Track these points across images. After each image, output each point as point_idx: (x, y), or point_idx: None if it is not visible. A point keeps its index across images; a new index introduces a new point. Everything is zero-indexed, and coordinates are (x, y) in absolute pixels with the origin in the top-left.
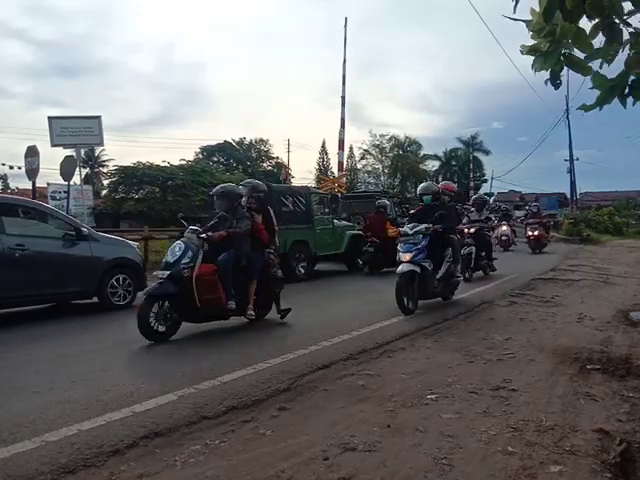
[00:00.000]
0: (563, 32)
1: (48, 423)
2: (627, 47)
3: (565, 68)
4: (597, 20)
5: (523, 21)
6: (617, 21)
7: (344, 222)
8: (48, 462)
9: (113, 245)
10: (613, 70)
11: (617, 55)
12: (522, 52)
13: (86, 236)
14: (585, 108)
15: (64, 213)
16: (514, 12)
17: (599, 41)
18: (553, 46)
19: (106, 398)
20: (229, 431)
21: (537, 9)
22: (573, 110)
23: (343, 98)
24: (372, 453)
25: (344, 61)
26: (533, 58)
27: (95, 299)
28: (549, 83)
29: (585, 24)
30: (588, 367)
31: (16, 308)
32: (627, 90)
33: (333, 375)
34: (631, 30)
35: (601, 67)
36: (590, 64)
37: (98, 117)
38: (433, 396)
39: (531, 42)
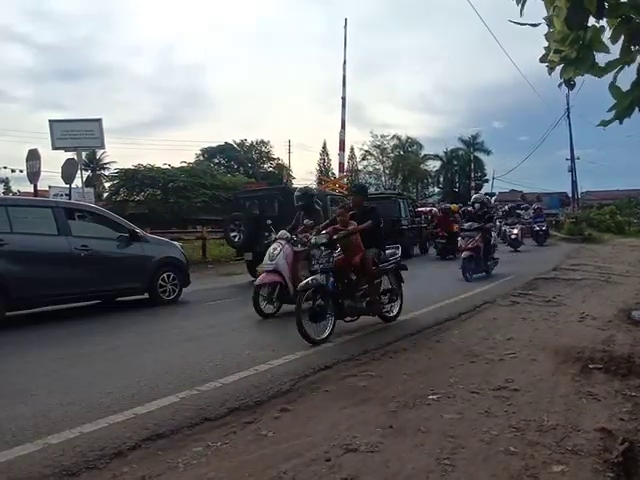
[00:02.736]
0: (592, 36)
1: (50, 425)
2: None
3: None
4: (613, 22)
5: (531, 25)
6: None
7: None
8: (51, 464)
9: (161, 245)
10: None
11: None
12: (548, 64)
13: (139, 237)
14: (604, 124)
15: (119, 216)
16: (521, 15)
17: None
18: (583, 52)
19: (108, 400)
20: (231, 432)
21: (546, 14)
22: (574, 109)
23: (343, 99)
24: (374, 454)
25: (344, 62)
26: (562, 67)
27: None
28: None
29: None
30: (590, 366)
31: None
32: None
33: (335, 376)
34: None
35: (615, 79)
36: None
37: (99, 120)
38: (435, 396)
39: (535, 47)
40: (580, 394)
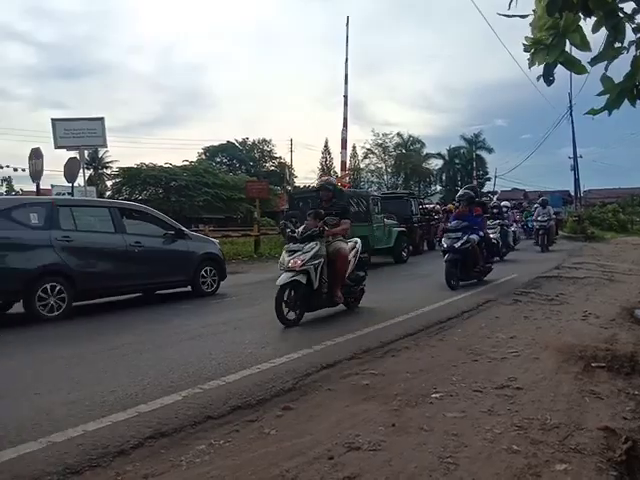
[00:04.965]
0: (567, 24)
1: (54, 424)
2: (633, 47)
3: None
4: (598, 15)
5: (519, 17)
6: (620, 15)
7: (392, 220)
8: (54, 462)
9: (202, 242)
10: (615, 66)
11: (621, 54)
12: (526, 49)
13: (183, 234)
14: (593, 112)
15: (166, 216)
16: (509, 8)
17: (599, 36)
18: (557, 39)
19: (111, 398)
20: (234, 431)
21: (539, 3)
22: (577, 107)
23: (345, 97)
24: (377, 452)
25: (346, 60)
26: (533, 53)
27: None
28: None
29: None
30: (593, 365)
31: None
32: (636, 92)
33: (337, 374)
34: (634, 25)
35: (606, 70)
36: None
37: (101, 119)
38: (438, 395)
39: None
40: (583, 393)
